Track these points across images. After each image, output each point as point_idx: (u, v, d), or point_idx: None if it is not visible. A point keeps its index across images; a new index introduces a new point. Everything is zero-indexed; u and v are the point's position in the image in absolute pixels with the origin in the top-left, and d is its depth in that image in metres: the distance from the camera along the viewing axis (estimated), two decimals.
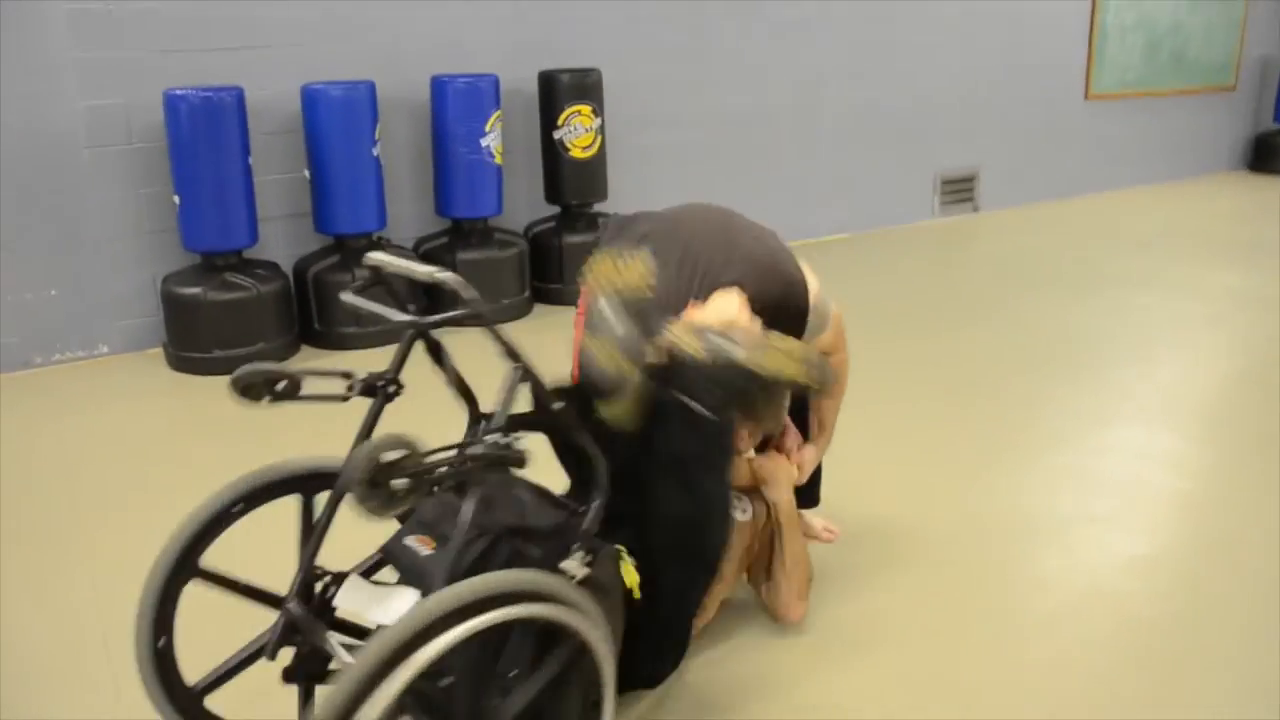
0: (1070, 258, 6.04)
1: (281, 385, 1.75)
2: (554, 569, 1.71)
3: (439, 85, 4.73)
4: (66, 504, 3.18)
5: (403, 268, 1.77)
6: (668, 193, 5.77)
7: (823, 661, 2.34)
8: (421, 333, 1.83)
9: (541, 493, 1.96)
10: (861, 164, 6.51)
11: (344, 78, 4.58)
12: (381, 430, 1.79)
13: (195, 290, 4.26)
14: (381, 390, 1.82)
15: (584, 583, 1.72)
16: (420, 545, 1.75)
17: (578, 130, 5.04)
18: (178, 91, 4.11)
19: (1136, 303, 5.09)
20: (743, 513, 2.44)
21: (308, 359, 4.51)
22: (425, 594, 1.63)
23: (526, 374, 1.76)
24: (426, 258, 4.87)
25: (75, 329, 4.44)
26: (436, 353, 1.87)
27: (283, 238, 4.74)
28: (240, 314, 4.27)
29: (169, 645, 1.76)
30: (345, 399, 1.80)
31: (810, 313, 2.38)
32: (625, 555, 1.85)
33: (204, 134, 4.13)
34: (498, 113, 4.80)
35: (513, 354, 1.74)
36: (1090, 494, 3.15)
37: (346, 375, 1.82)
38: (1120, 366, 4.24)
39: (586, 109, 5.03)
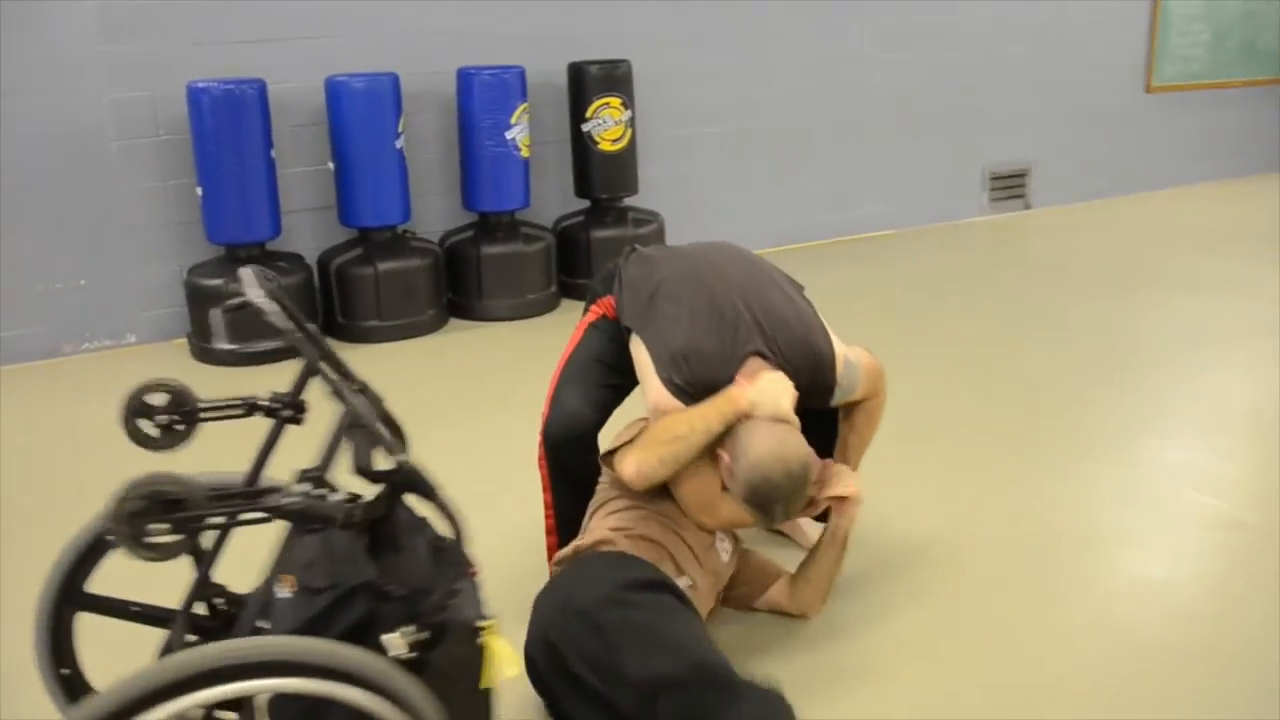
0: (1125, 259, 5.79)
1: (176, 420, 1.66)
2: (375, 642, 1.50)
3: (465, 77, 4.69)
4: (76, 491, 3.20)
5: (243, 289, 1.68)
6: (701, 187, 5.74)
7: (824, 688, 2.24)
8: (324, 356, 1.77)
9: (441, 547, 1.75)
10: (905, 158, 6.33)
11: (372, 70, 4.56)
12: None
13: (216, 282, 4.27)
14: (277, 414, 1.74)
15: (410, 664, 1.50)
16: (282, 586, 1.63)
17: (607, 123, 4.96)
18: (200, 84, 4.13)
19: (1192, 307, 4.84)
20: (725, 553, 2.37)
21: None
22: None
23: (355, 421, 1.58)
24: (451, 252, 4.85)
25: (104, 318, 4.49)
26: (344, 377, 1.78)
27: (308, 230, 4.74)
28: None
29: (75, 674, 1.73)
30: (243, 416, 1.74)
31: (837, 385, 2.31)
32: (495, 632, 1.60)
33: (226, 126, 4.15)
34: (524, 105, 4.75)
35: (339, 395, 1.59)
36: (1117, 511, 2.99)
37: (248, 399, 1.76)
38: (1167, 375, 4.03)
39: (616, 101, 4.95)
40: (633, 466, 2.15)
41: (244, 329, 4.23)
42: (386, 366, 4.33)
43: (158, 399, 1.70)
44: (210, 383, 4.15)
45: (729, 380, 2.19)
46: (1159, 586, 2.61)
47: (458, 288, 4.85)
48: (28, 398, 3.99)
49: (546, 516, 2.50)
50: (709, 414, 2.13)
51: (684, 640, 1.93)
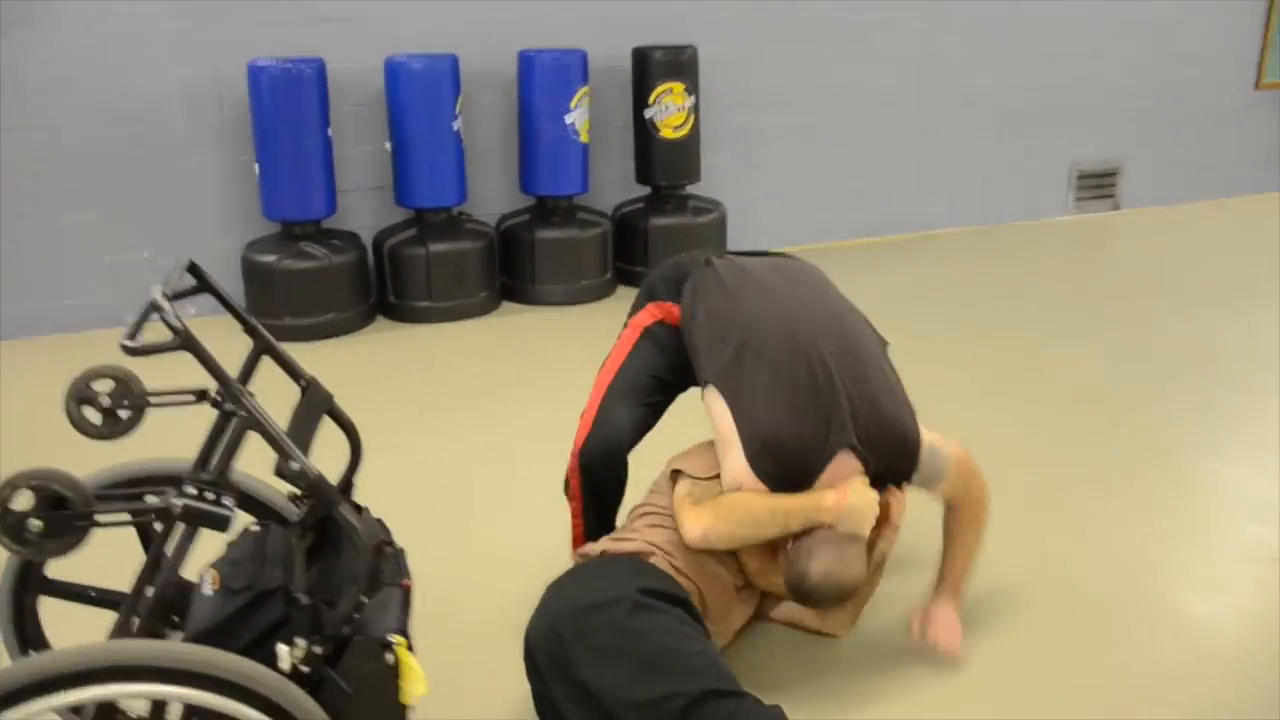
0: (1217, 266, 5.46)
1: (124, 409, 1.62)
2: (268, 653, 1.46)
3: (526, 60, 4.66)
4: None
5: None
6: (768, 178, 5.61)
7: (852, 706, 2.15)
8: (267, 348, 1.73)
9: (383, 554, 1.70)
10: (987, 152, 6.08)
11: (433, 51, 4.56)
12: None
13: (270, 258, 4.33)
14: (221, 405, 1.70)
15: (306, 678, 1.46)
16: (208, 581, 1.60)
17: (669, 109, 4.87)
18: (259, 63, 4.18)
19: None
20: (754, 595, 2.30)
21: (381, 330, 4.54)
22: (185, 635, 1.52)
23: (252, 422, 1.52)
24: (506, 235, 4.83)
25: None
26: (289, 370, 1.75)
27: (366, 209, 4.78)
28: (312, 283, 4.32)
29: None
30: (193, 402, 1.70)
31: (916, 471, 2.17)
32: (405, 648, 1.53)
33: (284, 105, 4.19)
34: (585, 89, 4.69)
35: (234, 398, 1.53)
36: (1165, 538, 2.80)
37: (196, 390, 1.72)
38: (1243, 393, 3.77)
39: (679, 87, 4.86)
40: (699, 531, 2.06)
41: (311, 300, 4.31)
42: (436, 347, 4.34)
43: (103, 386, 1.68)
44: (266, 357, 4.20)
45: (817, 472, 2.06)
46: (1197, 623, 2.42)
47: (512, 271, 4.83)
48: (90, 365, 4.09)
49: (574, 526, 2.40)
50: (793, 512, 2.03)
51: (703, 653, 1.89)
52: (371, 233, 4.71)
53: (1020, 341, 4.33)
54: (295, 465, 1.50)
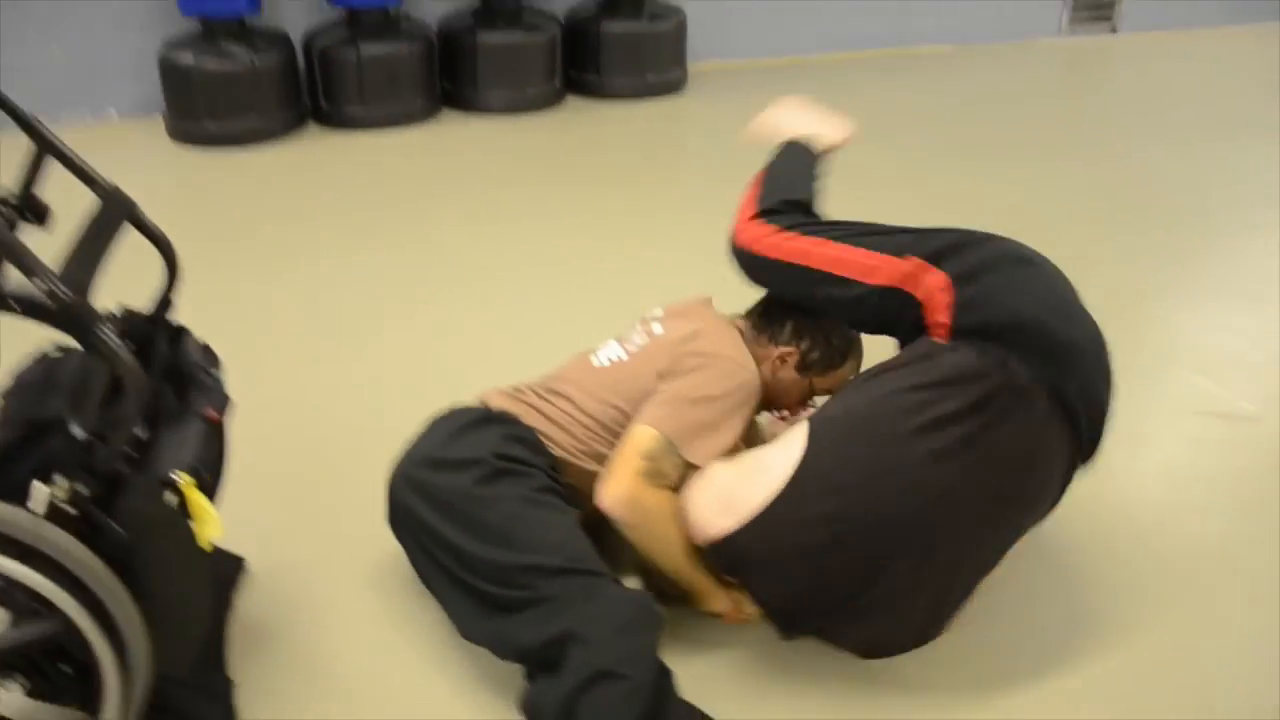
0: (1217, 98, 5.10)
1: None
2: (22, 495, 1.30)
3: None
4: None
5: None
6: None
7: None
8: (51, 151, 1.51)
9: (195, 383, 1.56)
10: None
11: None
12: None
13: (188, 57, 4.03)
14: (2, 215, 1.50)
15: (69, 520, 1.30)
16: None
17: None
18: None
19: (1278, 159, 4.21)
20: None
21: (314, 138, 4.28)
22: None
23: None
24: (447, 38, 4.50)
25: (82, 91, 4.31)
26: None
27: (297, 7, 4.44)
28: (232, 85, 4.04)
29: None
30: None
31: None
32: (192, 487, 1.36)
33: None
34: None
35: None
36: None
37: None
38: (1214, 236, 3.53)
39: None
40: (616, 510, 1.73)
41: (233, 104, 4.03)
42: (368, 157, 4.11)
43: None
44: (181, 165, 3.98)
45: None
46: (1117, 476, 2.28)
47: (453, 77, 4.53)
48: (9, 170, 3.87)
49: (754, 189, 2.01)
50: (691, 584, 1.79)
51: (559, 525, 1.72)
52: (302, 32, 4.39)
53: (994, 170, 4.08)
54: (43, 284, 1.31)
